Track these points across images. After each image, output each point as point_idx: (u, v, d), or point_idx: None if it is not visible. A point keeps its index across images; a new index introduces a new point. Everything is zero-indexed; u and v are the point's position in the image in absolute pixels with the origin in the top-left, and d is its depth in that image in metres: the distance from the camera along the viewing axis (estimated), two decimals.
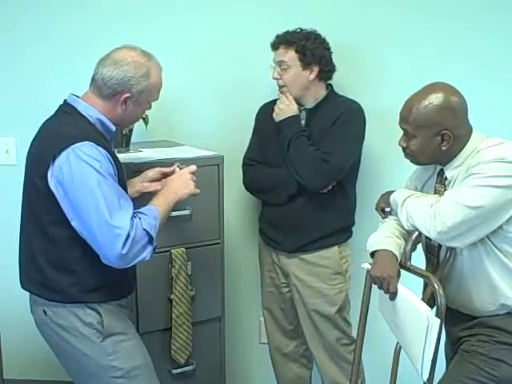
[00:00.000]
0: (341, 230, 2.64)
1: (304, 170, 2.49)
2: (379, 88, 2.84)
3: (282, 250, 2.67)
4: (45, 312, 2.04)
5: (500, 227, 1.95)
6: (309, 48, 2.50)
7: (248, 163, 2.70)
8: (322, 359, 2.70)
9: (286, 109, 2.54)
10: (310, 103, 2.58)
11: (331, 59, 2.59)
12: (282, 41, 2.53)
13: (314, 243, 2.60)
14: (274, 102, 2.63)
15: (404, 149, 2.08)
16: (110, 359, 2.03)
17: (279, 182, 2.59)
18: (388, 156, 2.80)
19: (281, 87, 2.57)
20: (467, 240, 1.96)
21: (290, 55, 2.51)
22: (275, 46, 2.56)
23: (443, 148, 1.99)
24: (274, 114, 2.58)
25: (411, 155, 2.07)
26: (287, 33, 2.54)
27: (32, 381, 3.15)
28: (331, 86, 2.65)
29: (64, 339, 2.03)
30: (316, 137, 2.53)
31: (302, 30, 2.55)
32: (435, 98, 1.96)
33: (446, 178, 2.05)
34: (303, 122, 2.58)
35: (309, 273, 2.62)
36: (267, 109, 2.66)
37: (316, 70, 2.53)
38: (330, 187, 2.52)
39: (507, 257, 1.99)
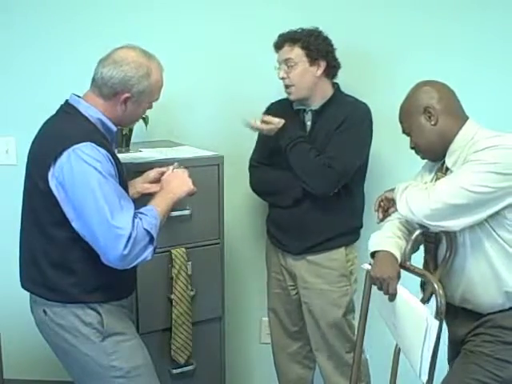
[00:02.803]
0: (347, 233, 2.60)
1: (308, 178, 2.45)
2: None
3: (288, 252, 2.65)
4: (45, 312, 2.04)
5: (502, 215, 1.95)
6: (314, 44, 2.48)
7: (253, 165, 2.68)
8: (325, 365, 2.69)
9: (271, 126, 2.49)
10: (316, 103, 2.54)
11: (335, 56, 2.55)
12: (287, 39, 2.50)
13: (319, 245, 2.57)
14: (279, 102, 2.62)
15: (414, 149, 2.14)
16: (111, 359, 2.02)
17: (284, 186, 2.55)
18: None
19: (287, 87, 2.52)
20: (458, 221, 1.94)
21: (296, 52, 2.48)
22: (279, 45, 2.53)
23: (432, 123, 2.04)
24: (267, 133, 2.54)
25: (419, 151, 2.13)
26: (290, 32, 2.51)
27: (32, 381, 3.15)
28: (338, 84, 2.60)
29: (64, 339, 2.03)
30: (321, 140, 2.49)
31: (303, 29, 2.52)
32: (414, 90, 2.11)
33: (447, 168, 2.06)
34: (309, 123, 2.55)
35: (314, 274, 2.60)
36: (272, 109, 2.63)
37: (323, 65, 2.50)
38: (336, 190, 2.48)
39: (511, 246, 1.98)
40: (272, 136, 2.52)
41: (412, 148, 2.14)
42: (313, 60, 2.49)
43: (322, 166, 2.42)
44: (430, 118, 2.05)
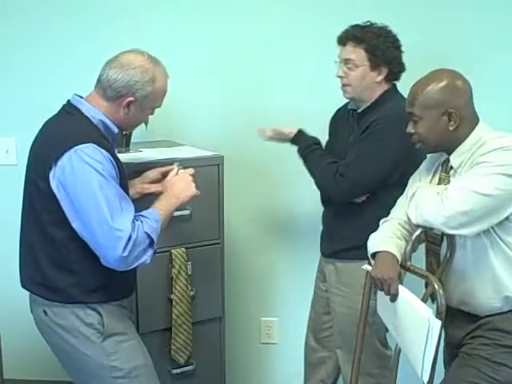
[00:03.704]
0: None
1: (321, 185, 2.42)
2: None
3: (321, 253, 2.63)
4: (45, 312, 2.04)
5: (507, 218, 1.94)
6: (380, 48, 2.31)
7: None
8: (346, 366, 2.55)
9: (281, 136, 2.50)
10: (363, 106, 2.41)
11: (401, 59, 2.39)
12: (351, 37, 2.34)
13: (344, 252, 2.47)
14: (345, 106, 2.55)
15: (412, 135, 2.05)
16: (111, 359, 2.03)
17: (320, 186, 2.48)
18: None
19: (344, 85, 2.39)
20: (474, 228, 1.92)
21: (359, 54, 2.32)
22: (343, 41, 2.37)
23: (451, 128, 1.98)
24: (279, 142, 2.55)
25: (419, 140, 2.04)
26: (357, 28, 2.35)
27: (32, 381, 3.15)
28: (394, 85, 2.42)
29: (64, 339, 2.03)
30: (352, 146, 2.38)
31: (372, 24, 2.36)
32: (440, 80, 1.99)
33: (451, 167, 2.04)
34: (355, 126, 2.45)
35: (339, 281, 2.52)
36: (337, 113, 2.58)
37: (385, 71, 2.35)
38: (364, 198, 2.37)
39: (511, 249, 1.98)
40: (334, 135, 2.53)
41: (409, 133, 2.05)
42: (375, 65, 2.33)
43: (333, 174, 2.34)
44: (450, 121, 1.98)
